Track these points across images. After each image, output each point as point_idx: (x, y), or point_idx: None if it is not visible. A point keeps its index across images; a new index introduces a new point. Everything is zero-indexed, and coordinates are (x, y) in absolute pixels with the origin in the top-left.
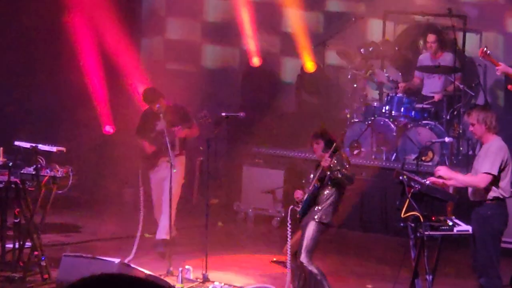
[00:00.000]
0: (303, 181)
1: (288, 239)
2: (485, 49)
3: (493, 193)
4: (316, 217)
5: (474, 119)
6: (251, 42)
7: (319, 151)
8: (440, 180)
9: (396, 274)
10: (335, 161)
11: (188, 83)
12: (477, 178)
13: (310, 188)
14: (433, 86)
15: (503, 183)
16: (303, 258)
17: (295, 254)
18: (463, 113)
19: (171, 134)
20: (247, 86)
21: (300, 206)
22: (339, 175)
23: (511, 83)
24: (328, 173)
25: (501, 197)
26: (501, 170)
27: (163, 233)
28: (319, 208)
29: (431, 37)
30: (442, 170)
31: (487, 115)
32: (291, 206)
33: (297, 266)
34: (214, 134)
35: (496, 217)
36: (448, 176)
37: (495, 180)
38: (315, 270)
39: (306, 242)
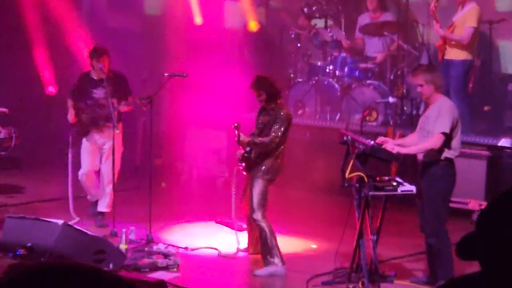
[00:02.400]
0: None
1: (232, 200)
2: (435, 3)
3: (445, 153)
4: (261, 173)
5: (421, 80)
6: (193, 1)
7: (263, 103)
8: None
9: (340, 234)
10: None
11: (132, 42)
12: (432, 139)
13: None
14: (374, 47)
15: (454, 142)
16: (256, 214)
17: (249, 217)
18: (407, 73)
19: (109, 106)
20: (192, 44)
21: (245, 155)
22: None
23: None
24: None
25: (452, 157)
26: (452, 129)
27: (104, 206)
28: (264, 163)
29: None
30: (390, 145)
31: (434, 75)
32: (236, 167)
33: (252, 228)
34: (156, 94)
35: (447, 177)
36: (400, 152)
37: (447, 140)
38: (266, 227)
39: (256, 198)
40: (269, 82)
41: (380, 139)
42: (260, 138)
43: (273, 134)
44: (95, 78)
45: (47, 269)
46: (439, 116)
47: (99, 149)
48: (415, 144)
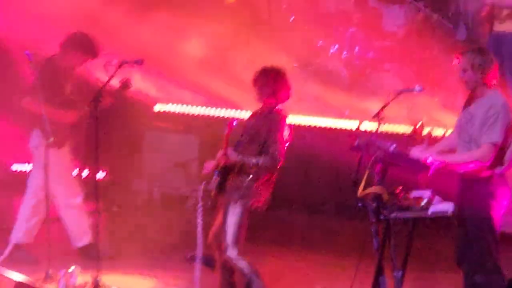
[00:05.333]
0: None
1: (198, 227)
2: None
3: (497, 166)
4: (238, 196)
5: (466, 63)
6: None
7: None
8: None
9: (353, 270)
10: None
11: None
12: (479, 151)
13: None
14: (393, 18)
15: (508, 154)
16: (230, 251)
17: (219, 248)
18: (439, 53)
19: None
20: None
21: (215, 178)
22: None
23: None
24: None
25: (504, 171)
26: (505, 137)
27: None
28: (242, 182)
29: None
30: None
31: (485, 59)
32: (203, 184)
33: (224, 264)
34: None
35: (497, 197)
36: (440, 165)
37: (500, 150)
38: (245, 268)
39: (230, 230)
40: (270, 75)
41: (417, 150)
42: (255, 159)
43: (276, 152)
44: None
45: None
46: (487, 119)
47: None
48: (454, 149)
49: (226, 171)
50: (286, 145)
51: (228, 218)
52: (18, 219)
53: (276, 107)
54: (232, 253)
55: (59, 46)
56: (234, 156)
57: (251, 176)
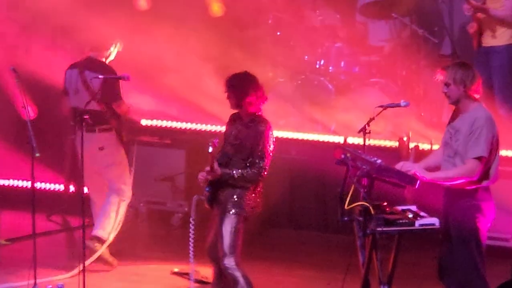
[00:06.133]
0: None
1: (190, 240)
2: None
3: (482, 179)
4: (232, 206)
5: (449, 78)
6: None
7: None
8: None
9: (340, 284)
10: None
11: None
12: (465, 167)
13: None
14: (379, 33)
15: (492, 168)
16: (227, 260)
17: (215, 260)
18: (424, 67)
19: None
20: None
21: (207, 190)
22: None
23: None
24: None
25: (488, 184)
26: (490, 150)
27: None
28: (236, 192)
29: None
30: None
31: (467, 73)
32: (195, 196)
33: (220, 280)
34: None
35: (482, 210)
36: (427, 181)
37: (485, 164)
38: (240, 278)
39: (227, 239)
40: (247, 79)
41: (404, 165)
42: (240, 171)
43: (261, 164)
44: None
45: None
46: (472, 134)
47: None
48: (439, 164)
49: (215, 184)
50: (271, 153)
51: (223, 228)
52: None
53: (258, 114)
54: (229, 262)
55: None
56: (220, 171)
57: (239, 187)
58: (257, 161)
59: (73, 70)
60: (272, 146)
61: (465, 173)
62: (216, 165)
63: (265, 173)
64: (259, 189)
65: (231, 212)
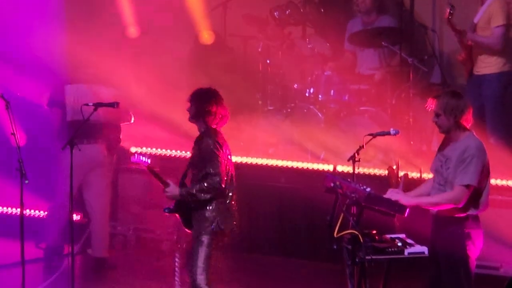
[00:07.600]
0: None
1: (176, 272)
2: (449, 11)
3: (470, 211)
4: (202, 223)
5: (439, 108)
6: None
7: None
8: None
9: None
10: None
11: None
12: (452, 194)
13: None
14: (368, 62)
15: (483, 197)
16: (199, 279)
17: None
18: (414, 96)
19: None
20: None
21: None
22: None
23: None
24: None
25: (478, 213)
26: (480, 180)
27: None
28: (205, 209)
29: None
30: (400, 199)
31: (458, 103)
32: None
33: None
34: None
35: (471, 238)
36: (410, 205)
37: (473, 194)
38: None
39: (200, 259)
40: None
41: (388, 192)
42: (198, 185)
43: (213, 172)
44: None
45: None
46: (462, 162)
47: None
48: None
49: (181, 206)
50: (223, 160)
51: (196, 247)
52: None
53: (210, 127)
54: (200, 280)
55: None
56: (176, 191)
57: (203, 203)
58: (211, 171)
59: (79, 85)
60: (222, 152)
61: (451, 200)
62: (170, 187)
63: (223, 180)
64: (230, 204)
65: (202, 232)
